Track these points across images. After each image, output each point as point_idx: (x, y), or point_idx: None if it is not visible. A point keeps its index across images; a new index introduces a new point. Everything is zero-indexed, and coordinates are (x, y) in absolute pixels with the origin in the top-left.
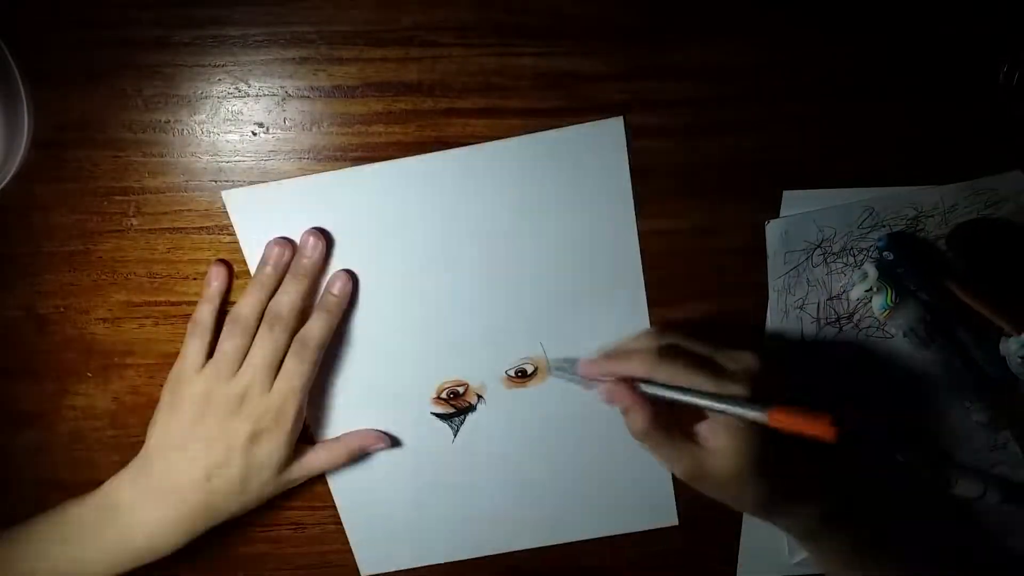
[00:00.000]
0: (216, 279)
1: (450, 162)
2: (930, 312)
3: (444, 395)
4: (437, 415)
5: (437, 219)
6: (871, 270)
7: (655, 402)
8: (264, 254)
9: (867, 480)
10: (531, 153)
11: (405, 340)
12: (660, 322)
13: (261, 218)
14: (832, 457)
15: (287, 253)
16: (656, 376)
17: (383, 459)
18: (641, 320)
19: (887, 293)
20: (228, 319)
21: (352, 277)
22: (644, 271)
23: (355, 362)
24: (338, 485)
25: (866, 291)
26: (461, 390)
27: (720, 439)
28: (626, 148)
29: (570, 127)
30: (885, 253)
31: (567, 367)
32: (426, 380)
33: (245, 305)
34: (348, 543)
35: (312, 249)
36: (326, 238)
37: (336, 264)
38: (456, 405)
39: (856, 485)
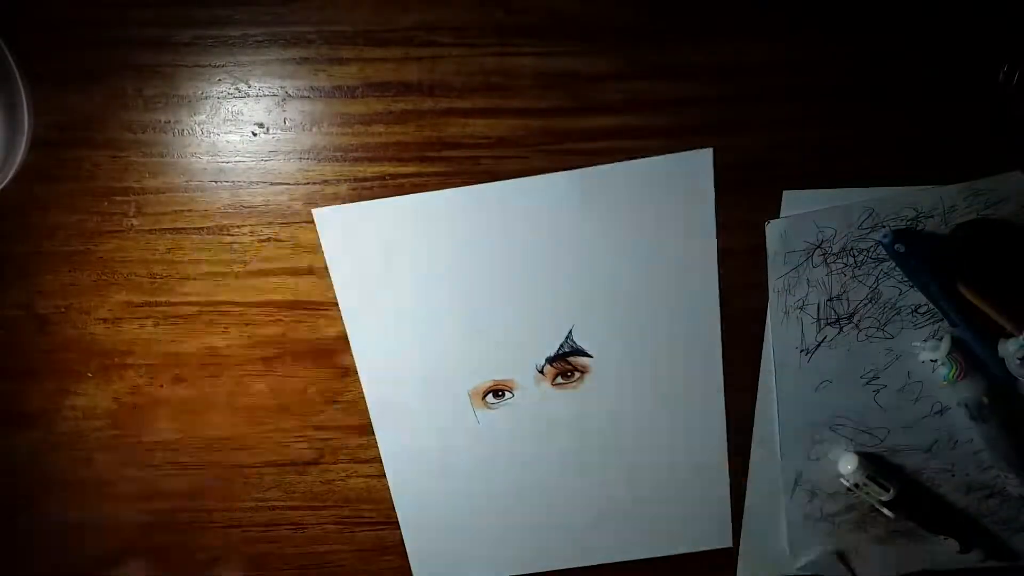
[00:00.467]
0: None
1: (534, 187)
2: (990, 393)
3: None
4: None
5: (507, 243)
6: (946, 343)
7: None
8: None
9: None
10: (621, 181)
11: (465, 349)
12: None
13: (346, 235)
14: None
15: None
16: None
17: (445, 478)
18: (714, 345)
19: (953, 368)
20: None
21: None
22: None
23: (416, 371)
24: (403, 506)
25: (932, 360)
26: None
27: None
28: (713, 179)
29: (661, 156)
30: (896, 246)
31: None
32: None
33: None
34: (348, 543)
35: None
36: None
37: (419, 277)
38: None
39: None
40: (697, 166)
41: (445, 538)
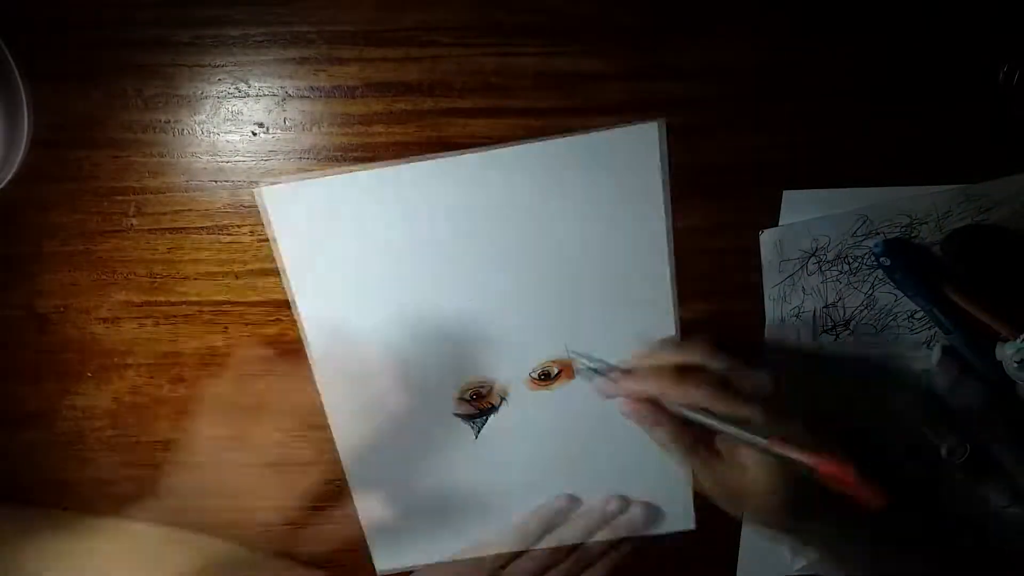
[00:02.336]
0: None
1: (485, 161)
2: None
3: (468, 396)
4: (460, 415)
5: (468, 218)
6: (936, 352)
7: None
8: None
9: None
10: (567, 154)
11: (430, 339)
12: (681, 334)
13: (296, 214)
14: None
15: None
16: (672, 397)
17: (403, 457)
18: (668, 325)
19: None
20: None
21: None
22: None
23: (379, 363)
24: (358, 483)
25: (925, 370)
26: (484, 391)
27: (745, 456)
28: (659, 151)
29: (607, 130)
30: (883, 259)
31: (596, 368)
32: (450, 380)
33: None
34: (349, 543)
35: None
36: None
37: (365, 260)
38: (479, 406)
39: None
40: (644, 139)
41: (402, 523)
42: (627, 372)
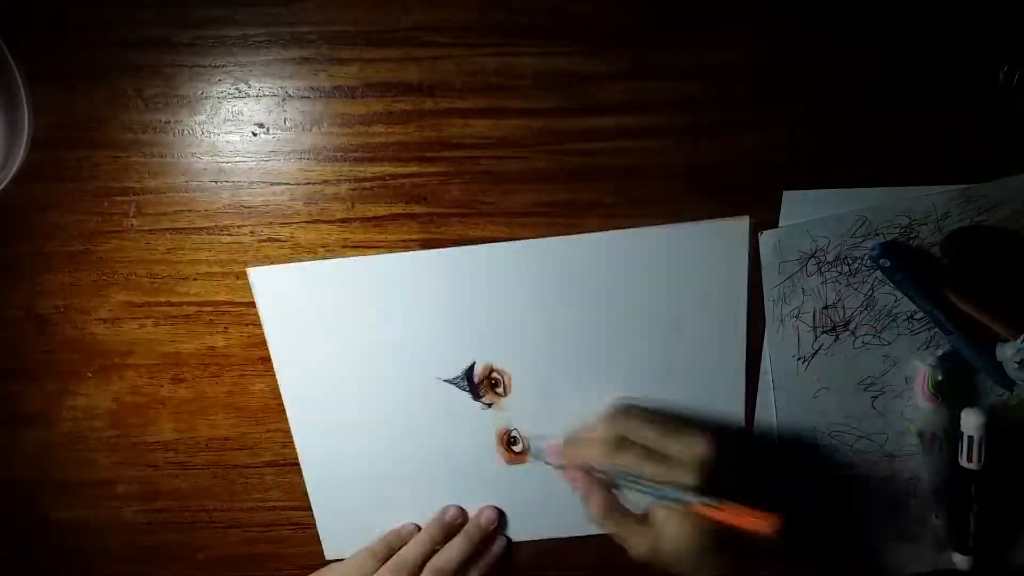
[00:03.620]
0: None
1: (508, 254)
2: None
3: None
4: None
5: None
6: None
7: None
8: (441, 513)
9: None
10: (652, 243)
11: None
12: (620, 404)
13: (284, 296)
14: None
15: (460, 518)
16: (605, 463)
17: (354, 448)
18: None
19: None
20: (392, 562)
21: (501, 515)
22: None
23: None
24: (311, 467)
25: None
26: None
27: (671, 522)
28: (747, 248)
29: (694, 223)
30: (882, 260)
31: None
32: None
33: (411, 552)
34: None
35: (488, 523)
36: (501, 517)
37: (356, 345)
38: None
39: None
40: (734, 234)
41: (352, 509)
42: (569, 443)
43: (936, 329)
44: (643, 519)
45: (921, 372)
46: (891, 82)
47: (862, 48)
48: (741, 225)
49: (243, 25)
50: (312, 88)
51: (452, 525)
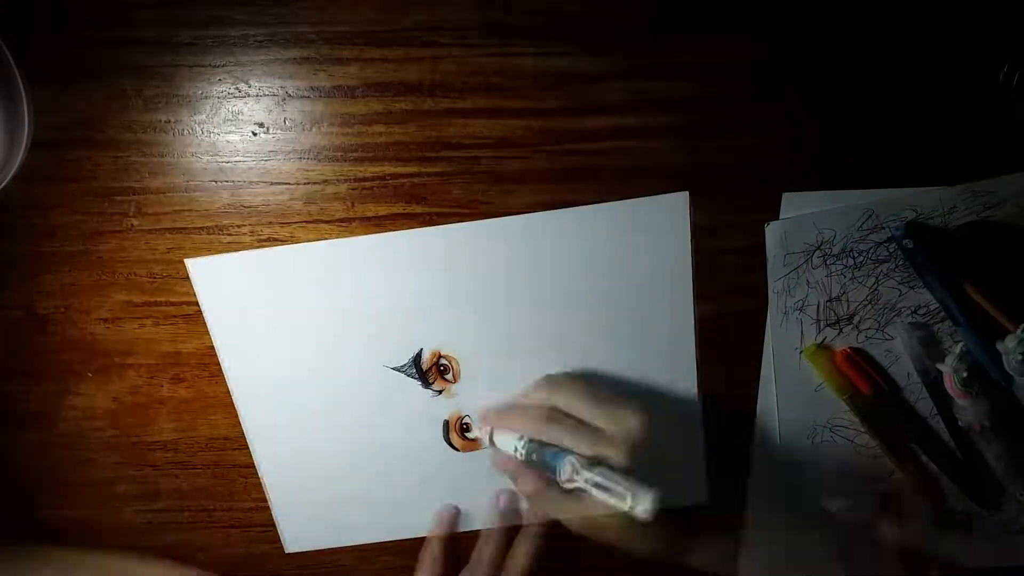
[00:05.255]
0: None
1: (527, 224)
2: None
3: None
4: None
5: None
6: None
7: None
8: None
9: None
10: (588, 224)
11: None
12: (553, 375)
13: (224, 287)
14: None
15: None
16: (540, 436)
17: (308, 442)
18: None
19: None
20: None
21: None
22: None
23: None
24: (266, 462)
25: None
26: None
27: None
28: (688, 223)
29: (632, 200)
30: (905, 241)
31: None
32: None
33: (487, 555)
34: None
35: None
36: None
37: (301, 335)
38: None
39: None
40: (673, 208)
41: (312, 502)
42: (501, 411)
43: (938, 325)
44: (574, 494)
45: (947, 376)
46: (891, 82)
47: (862, 48)
48: (680, 200)
49: (243, 25)
50: (312, 88)
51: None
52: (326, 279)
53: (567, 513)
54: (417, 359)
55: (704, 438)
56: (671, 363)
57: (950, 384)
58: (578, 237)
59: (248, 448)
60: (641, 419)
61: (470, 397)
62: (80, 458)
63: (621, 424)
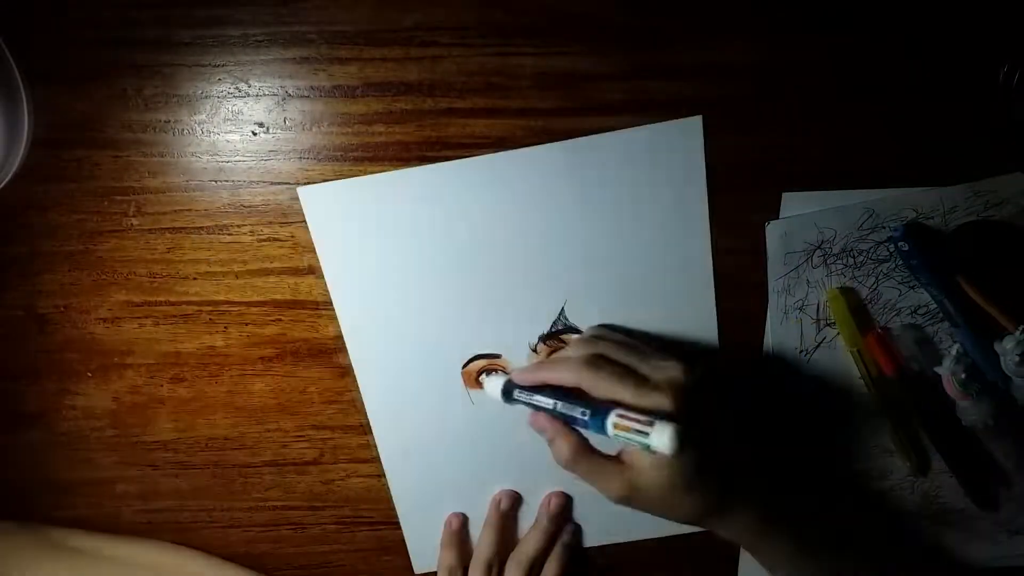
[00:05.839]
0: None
1: (517, 160)
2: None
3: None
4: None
5: (504, 217)
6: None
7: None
8: (494, 503)
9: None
10: (605, 151)
11: (459, 325)
12: (599, 326)
13: (334, 214)
14: (762, 463)
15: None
16: (581, 384)
17: (437, 453)
18: (709, 324)
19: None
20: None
21: (567, 498)
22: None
23: (413, 354)
24: (397, 484)
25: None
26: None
27: (644, 459)
28: (703, 149)
29: (646, 126)
30: (901, 244)
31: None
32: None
33: (485, 551)
34: (348, 543)
35: (558, 508)
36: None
37: (404, 255)
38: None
39: (791, 488)
40: (687, 133)
41: (436, 521)
42: (539, 364)
43: (938, 326)
44: (615, 459)
45: (945, 378)
46: (891, 82)
47: (862, 48)
48: (693, 124)
49: (243, 24)
50: (312, 88)
51: (509, 514)
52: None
53: (606, 480)
54: None
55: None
56: (691, 309)
57: (949, 387)
58: (589, 169)
59: (247, 448)
60: (685, 367)
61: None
62: (80, 458)
63: (666, 372)
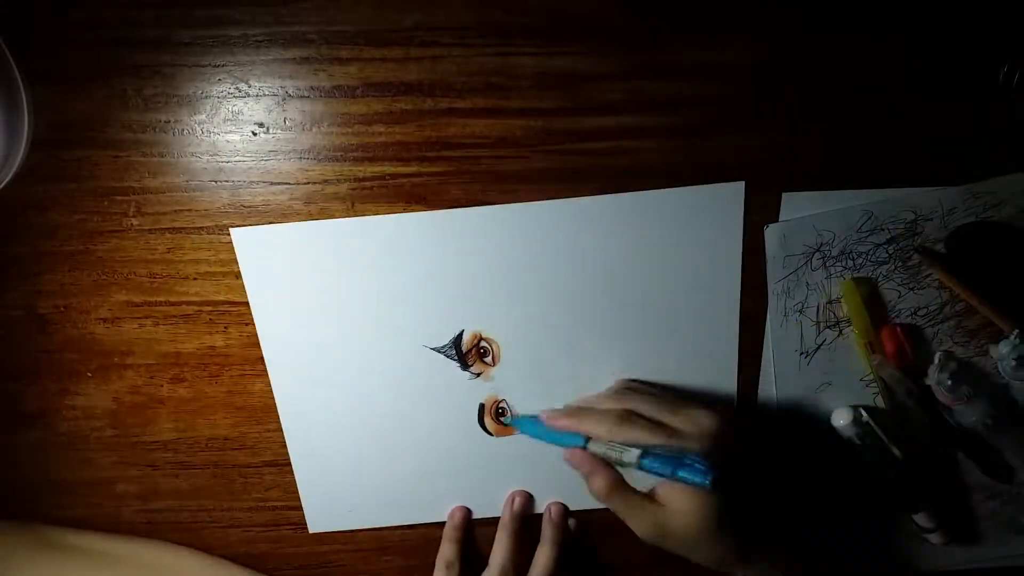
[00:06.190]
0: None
1: (509, 215)
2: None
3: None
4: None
5: (511, 268)
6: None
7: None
8: (507, 506)
9: (828, 536)
10: (639, 211)
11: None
12: (630, 379)
13: (266, 257)
14: (792, 514)
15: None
16: (615, 439)
17: (347, 416)
18: (730, 384)
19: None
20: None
21: (564, 506)
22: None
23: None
24: (294, 434)
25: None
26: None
27: (678, 499)
28: (743, 214)
29: (688, 188)
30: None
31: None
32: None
33: (501, 559)
34: (348, 543)
35: (559, 517)
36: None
37: (340, 310)
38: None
39: (818, 540)
40: (730, 198)
41: (338, 483)
42: (572, 413)
43: (937, 328)
44: (648, 497)
45: (933, 386)
46: (891, 82)
47: (862, 48)
48: (736, 189)
49: (243, 24)
50: (312, 88)
51: (522, 516)
52: (368, 254)
53: (639, 517)
54: (458, 340)
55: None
56: (713, 361)
57: (940, 394)
58: (628, 224)
59: (248, 448)
60: (716, 419)
61: (508, 381)
62: (80, 458)
63: (697, 424)
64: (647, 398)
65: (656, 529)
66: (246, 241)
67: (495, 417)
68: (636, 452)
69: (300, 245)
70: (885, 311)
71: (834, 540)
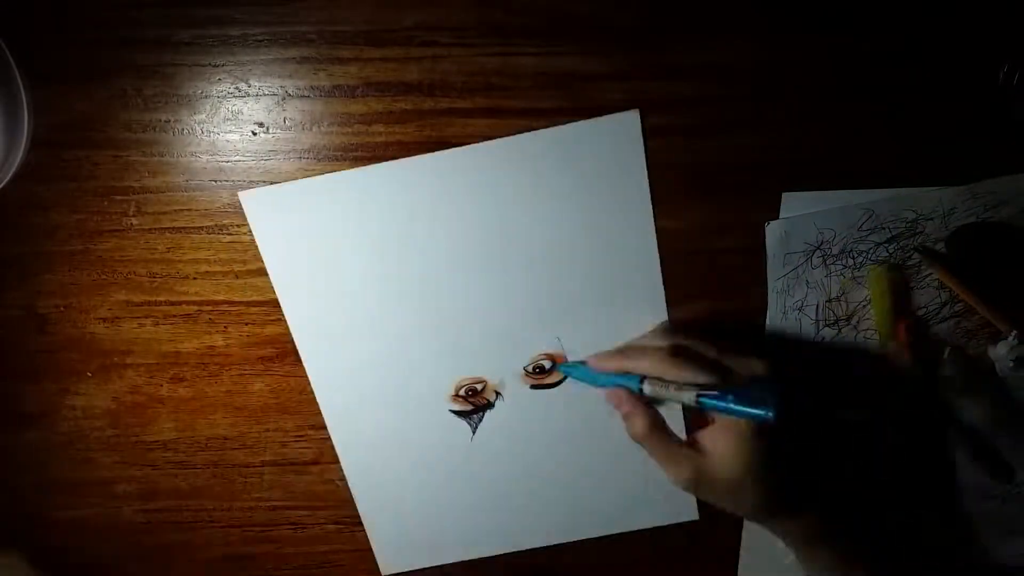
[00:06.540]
0: None
1: (462, 160)
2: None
3: (462, 393)
4: (455, 412)
5: (450, 217)
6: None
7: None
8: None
9: (866, 487)
10: (546, 149)
11: (422, 339)
12: (673, 320)
13: (277, 218)
14: (833, 464)
15: None
16: (666, 375)
17: (402, 458)
18: (658, 315)
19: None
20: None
21: None
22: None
23: (371, 362)
24: (358, 485)
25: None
26: (479, 387)
27: (721, 445)
28: (642, 142)
29: (585, 121)
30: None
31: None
32: (444, 378)
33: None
34: (348, 543)
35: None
36: None
37: (350, 262)
38: (474, 403)
39: (857, 493)
40: (624, 130)
41: (404, 524)
42: (621, 352)
43: (939, 326)
44: (690, 442)
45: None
46: (891, 82)
47: (862, 48)
48: (632, 119)
49: (243, 24)
50: (312, 87)
51: None
52: (387, 201)
53: (675, 462)
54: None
55: None
56: (639, 295)
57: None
58: (528, 165)
59: (247, 448)
60: (767, 365)
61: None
62: (80, 458)
63: (749, 367)
64: (697, 335)
65: (692, 473)
66: (255, 204)
67: (532, 371)
68: (693, 390)
69: (310, 201)
70: (909, 303)
71: (872, 504)
